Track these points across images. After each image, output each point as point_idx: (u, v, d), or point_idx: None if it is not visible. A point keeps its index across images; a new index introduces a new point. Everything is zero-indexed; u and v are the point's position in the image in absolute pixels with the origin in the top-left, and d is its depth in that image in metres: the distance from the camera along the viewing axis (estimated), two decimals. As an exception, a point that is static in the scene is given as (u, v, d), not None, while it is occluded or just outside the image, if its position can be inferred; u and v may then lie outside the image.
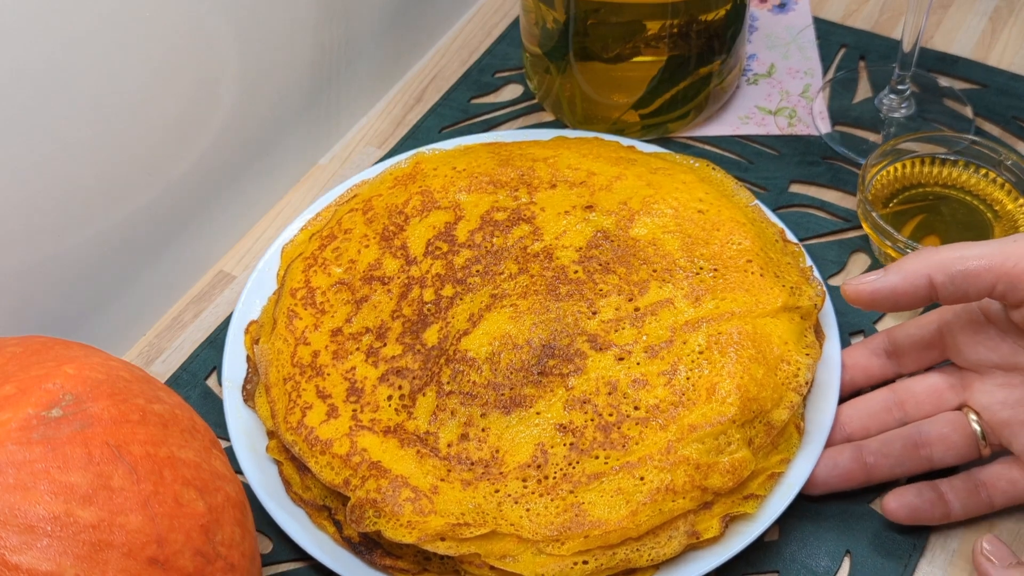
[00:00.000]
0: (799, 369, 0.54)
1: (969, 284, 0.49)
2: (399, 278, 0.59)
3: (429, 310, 0.57)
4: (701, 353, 0.54)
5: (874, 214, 0.61)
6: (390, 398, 0.55)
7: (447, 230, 0.61)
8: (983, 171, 0.64)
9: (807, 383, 0.54)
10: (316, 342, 0.57)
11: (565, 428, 0.52)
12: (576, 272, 0.57)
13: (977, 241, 0.50)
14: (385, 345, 0.56)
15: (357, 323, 0.58)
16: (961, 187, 0.65)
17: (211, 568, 0.42)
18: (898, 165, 0.65)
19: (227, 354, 0.60)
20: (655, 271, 0.57)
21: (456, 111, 0.76)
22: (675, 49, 0.67)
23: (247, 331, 0.61)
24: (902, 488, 0.53)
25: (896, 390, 0.55)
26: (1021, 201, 0.63)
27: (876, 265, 0.65)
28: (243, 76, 0.65)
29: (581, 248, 0.58)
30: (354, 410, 0.54)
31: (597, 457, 0.52)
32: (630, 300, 0.56)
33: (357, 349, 0.56)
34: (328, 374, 0.56)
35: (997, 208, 0.64)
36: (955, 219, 0.64)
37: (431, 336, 0.56)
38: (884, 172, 0.65)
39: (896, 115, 0.72)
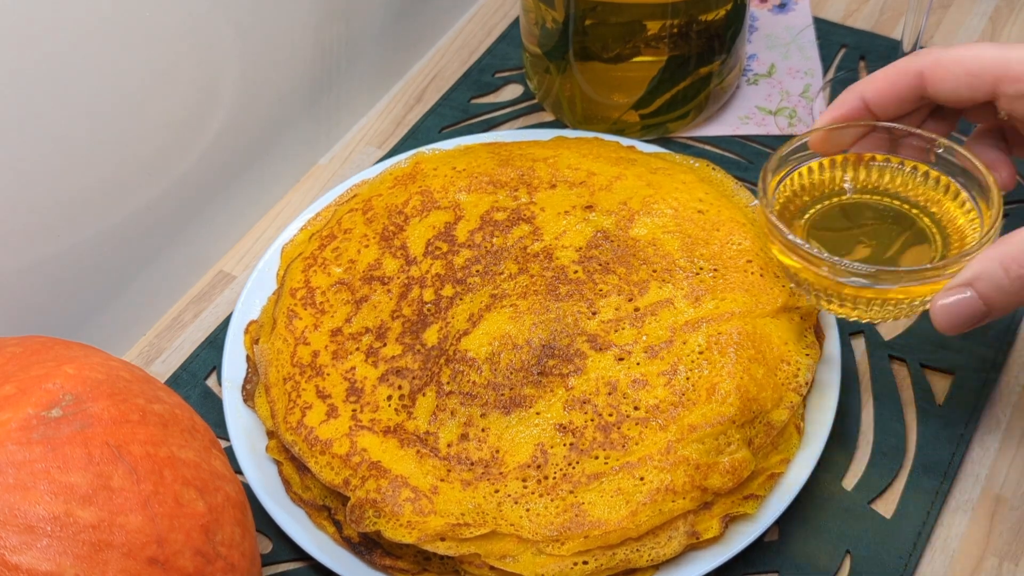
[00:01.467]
0: (799, 369, 0.54)
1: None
2: (399, 278, 0.59)
3: (429, 310, 0.57)
4: (701, 353, 0.54)
5: (789, 236, 0.50)
6: (390, 398, 0.55)
7: (447, 230, 0.61)
8: (911, 166, 0.53)
9: (807, 383, 0.54)
10: (316, 342, 0.57)
11: (565, 428, 0.52)
12: (576, 272, 0.57)
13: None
14: (385, 345, 0.56)
15: (357, 323, 0.58)
16: (886, 191, 0.53)
17: (211, 568, 0.42)
18: (803, 171, 0.54)
19: (227, 354, 0.60)
20: (655, 271, 0.57)
21: (456, 111, 0.76)
22: (675, 49, 0.67)
23: (247, 331, 0.61)
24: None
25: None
26: (963, 196, 0.52)
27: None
28: (243, 76, 0.65)
29: (581, 248, 0.58)
30: (354, 410, 0.54)
31: (597, 457, 0.52)
32: (630, 300, 0.56)
33: (357, 349, 0.56)
34: (328, 374, 0.56)
35: (934, 210, 0.53)
36: (887, 233, 0.53)
37: (431, 336, 0.56)
38: (788, 181, 0.53)
39: (896, 115, 0.72)
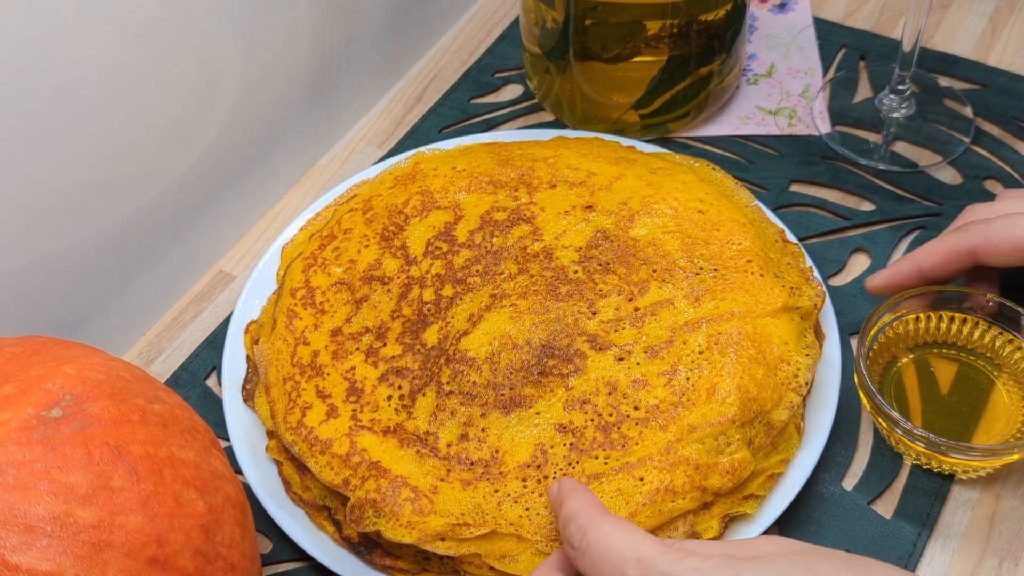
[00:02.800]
0: (799, 369, 0.54)
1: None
2: (399, 278, 0.59)
3: (429, 310, 0.57)
4: (701, 353, 0.54)
5: (879, 399, 0.54)
6: (390, 398, 0.55)
7: (447, 230, 0.61)
8: (1001, 333, 0.57)
9: (807, 383, 0.54)
10: (316, 342, 0.57)
11: (565, 428, 0.52)
12: (576, 272, 0.57)
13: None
14: (385, 345, 0.56)
15: (357, 323, 0.58)
16: (979, 351, 0.58)
17: (211, 568, 0.42)
18: (910, 319, 0.58)
19: (227, 354, 0.60)
20: (655, 271, 0.57)
21: (456, 111, 0.76)
22: (675, 49, 0.67)
23: (247, 331, 0.61)
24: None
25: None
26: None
27: (878, 266, 0.65)
28: (243, 76, 0.65)
29: (581, 248, 0.58)
30: (354, 410, 0.54)
31: (597, 457, 0.52)
32: (630, 300, 0.56)
33: (357, 349, 0.57)
34: (328, 374, 0.56)
35: (999, 362, 0.57)
36: (971, 394, 0.57)
37: (431, 336, 0.56)
38: (893, 326, 0.58)
39: (896, 115, 0.72)
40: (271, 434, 0.57)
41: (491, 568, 0.50)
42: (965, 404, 0.56)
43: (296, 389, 0.56)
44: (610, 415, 0.53)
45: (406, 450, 0.52)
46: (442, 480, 0.51)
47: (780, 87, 0.76)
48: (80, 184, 0.57)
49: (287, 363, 0.57)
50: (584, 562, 0.44)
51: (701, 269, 0.57)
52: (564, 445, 0.52)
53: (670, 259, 0.58)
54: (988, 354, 0.58)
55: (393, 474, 0.51)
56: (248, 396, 0.58)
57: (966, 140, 0.71)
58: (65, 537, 0.39)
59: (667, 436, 0.52)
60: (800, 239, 0.66)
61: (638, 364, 0.54)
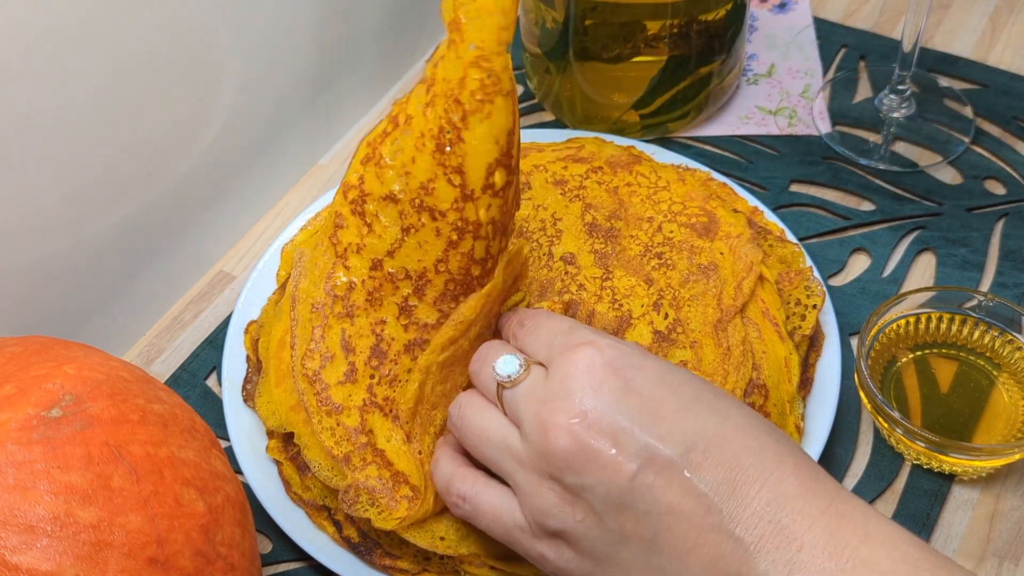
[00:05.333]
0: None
1: None
2: (451, 215, 0.50)
3: (476, 273, 0.51)
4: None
5: (879, 399, 0.55)
6: (409, 371, 0.51)
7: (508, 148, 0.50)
8: (1001, 333, 0.58)
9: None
10: (356, 269, 0.52)
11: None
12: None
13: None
14: (421, 303, 0.51)
15: (400, 259, 0.51)
16: (979, 351, 0.58)
17: (211, 568, 0.42)
18: (910, 319, 0.59)
19: (227, 354, 0.60)
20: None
21: (456, 111, 0.76)
22: (675, 49, 0.67)
23: (247, 331, 0.61)
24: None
25: None
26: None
27: (878, 265, 0.65)
28: (243, 76, 0.65)
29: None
30: (371, 378, 0.51)
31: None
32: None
33: (393, 295, 0.51)
34: (358, 318, 0.52)
35: (999, 361, 0.58)
36: (972, 393, 0.57)
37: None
38: (883, 335, 0.58)
39: (896, 115, 0.72)
40: (271, 434, 0.56)
41: (491, 568, 0.50)
42: (965, 404, 0.56)
43: (323, 326, 0.52)
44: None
45: (410, 446, 0.52)
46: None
47: (780, 87, 0.76)
48: (80, 184, 0.57)
49: (320, 285, 0.52)
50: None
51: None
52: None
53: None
54: (988, 354, 0.58)
55: (395, 469, 0.50)
56: (248, 396, 0.58)
57: (966, 140, 0.71)
58: (65, 537, 0.39)
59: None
60: (800, 239, 0.66)
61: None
